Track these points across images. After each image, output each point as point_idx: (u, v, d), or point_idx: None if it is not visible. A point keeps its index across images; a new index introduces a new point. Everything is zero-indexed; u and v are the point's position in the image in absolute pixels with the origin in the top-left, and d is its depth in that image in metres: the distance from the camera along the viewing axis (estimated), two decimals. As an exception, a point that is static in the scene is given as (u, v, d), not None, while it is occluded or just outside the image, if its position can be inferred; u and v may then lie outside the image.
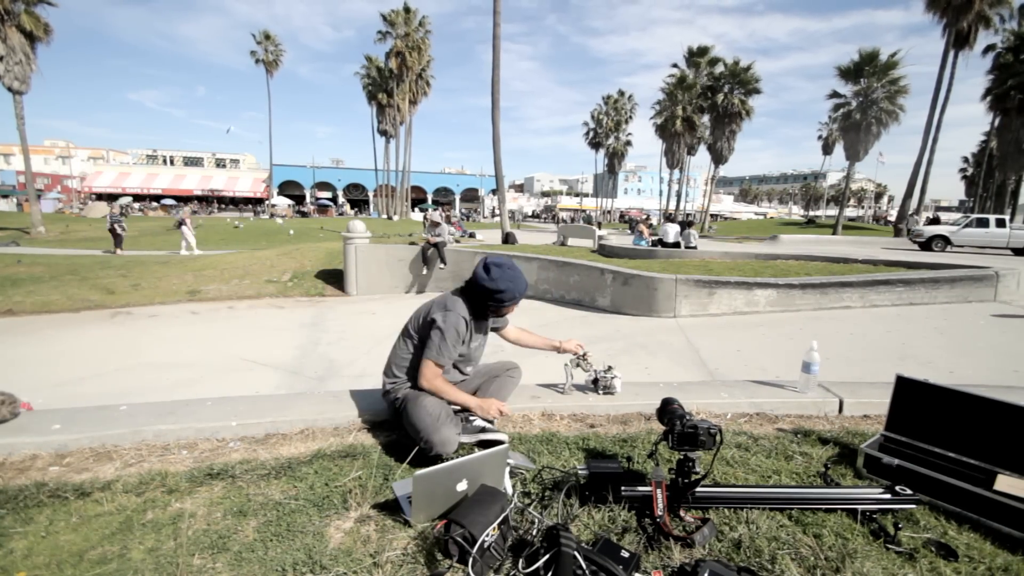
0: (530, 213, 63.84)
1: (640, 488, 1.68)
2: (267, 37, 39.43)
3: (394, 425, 2.32)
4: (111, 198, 44.76)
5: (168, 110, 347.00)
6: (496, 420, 2.30)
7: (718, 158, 34.58)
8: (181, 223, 15.77)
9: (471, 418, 2.20)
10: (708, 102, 33.41)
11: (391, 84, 37.82)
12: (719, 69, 33.10)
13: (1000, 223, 16.07)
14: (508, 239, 14.72)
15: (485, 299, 2.23)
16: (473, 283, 2.25)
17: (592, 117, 45.02)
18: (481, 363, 2.58)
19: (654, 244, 13.58)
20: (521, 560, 1.34)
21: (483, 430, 2.15)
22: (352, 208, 54.04)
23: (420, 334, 2.26)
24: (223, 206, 51.70)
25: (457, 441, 2.04)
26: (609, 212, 56.94)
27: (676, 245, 12.84)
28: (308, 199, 51.95)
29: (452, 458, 1.85)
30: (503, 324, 2.58)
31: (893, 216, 37.34)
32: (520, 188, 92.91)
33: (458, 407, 2.27)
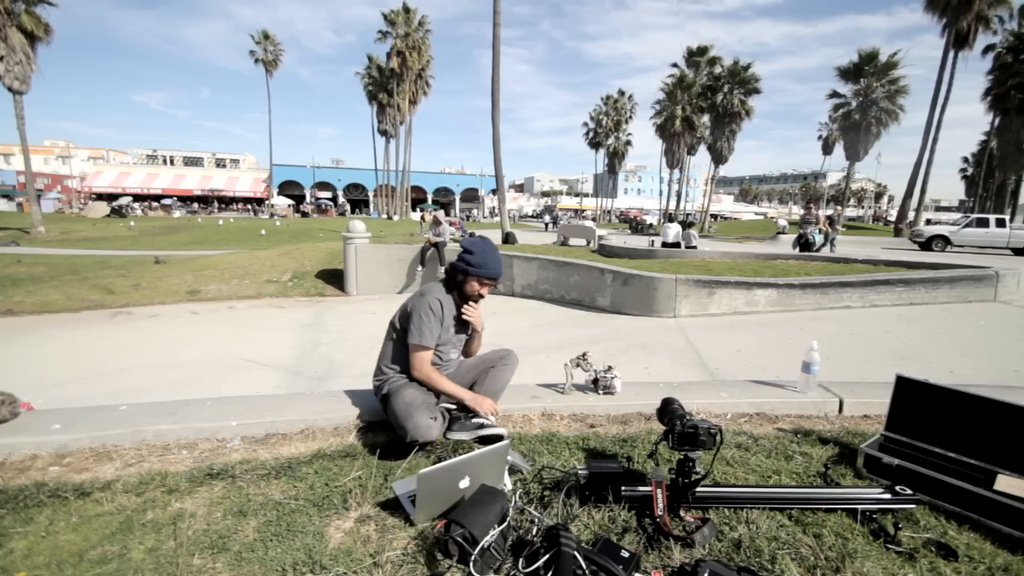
0: (529, 213, 63.74)
1: (640, 488, 1.68)
2: (266, 37, 39.44)
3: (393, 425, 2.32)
4: (111, 198, 44.77)
5: (172, 111, 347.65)
6: (495, 417, 2.30)
7: (718, 158, 34.59)
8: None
9: (470, 414, 2.20)
10: (708, 102, 33.42)
11: (391, 84, 37.82)
12: (718, 69, 33.11)
13: (1000, 223, 16.08)
14: (508, 239, 14.73)
15: (458, 269, 2.22)
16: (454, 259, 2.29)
17: (591, 117, 45.05)
18: (478, 353, 2.54)
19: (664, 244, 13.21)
20: (521, 560, 1.34)
21: (481, 426, 2.16)
22: (353, 210, 54.04)
23: (402, 325, 2.26)
24: (223, 206, 51.73)
25: (434, 429, 2.00)
26: (609, 212, 56.97)
27: (676, 245, 12.85)
28: (308, 199, 51.95)
29: (449, 457, 1.86)
30: (473, 324, 2.37)
31: (893, 216, 37.34)
32: (520, 188, 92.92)
33: (454, 404, 2.28)
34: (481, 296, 2.30)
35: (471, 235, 2.37)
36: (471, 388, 2.39)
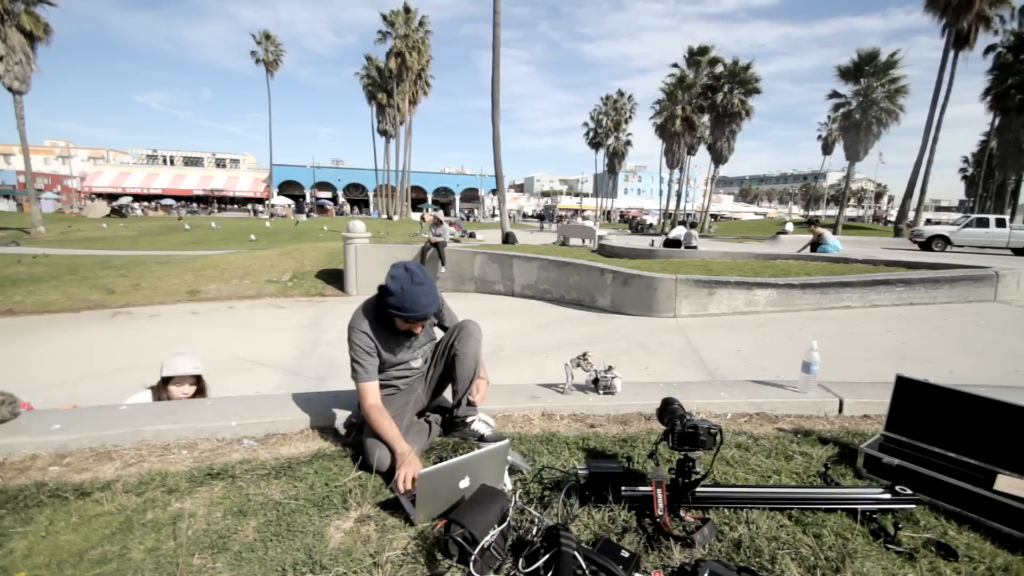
0: (529, 213, 63.71)
1: (640, 488, 1.68)
2: (267, 37, 39.50)
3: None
4: (111, 198, 44.77)
5: (173, 111, 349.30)
6: (495, 423, 2.29)
7: (718, 158, 34.60)
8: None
9: (468, 420, 2.19)
10: (708, 102, 33.41)
11: (391, 84, 37.82)
12: (719, 69, 33.10)
13: (1000, 223, 16.08)
14: (508, 239, 14.72)
15: (385, 304, 1.98)
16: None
17: (591, 117, 45.07)
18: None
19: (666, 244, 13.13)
20: (521, 560, 1.34)
21: (482, 438, 2.14)
22: (352, 208, 54.04)
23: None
24: (223, 206, 51.74)
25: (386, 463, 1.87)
26: (608, 212, 56.93)
27: (676, 244, 12.87)
28: (308, 199, 51.95)
29: (449, 457, 1.86)
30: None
31: (893, 216, 37.33)
32: (520, 188, 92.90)
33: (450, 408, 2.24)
34: (413, 333, 2.09)
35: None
36: (441, 390, 2.30)
